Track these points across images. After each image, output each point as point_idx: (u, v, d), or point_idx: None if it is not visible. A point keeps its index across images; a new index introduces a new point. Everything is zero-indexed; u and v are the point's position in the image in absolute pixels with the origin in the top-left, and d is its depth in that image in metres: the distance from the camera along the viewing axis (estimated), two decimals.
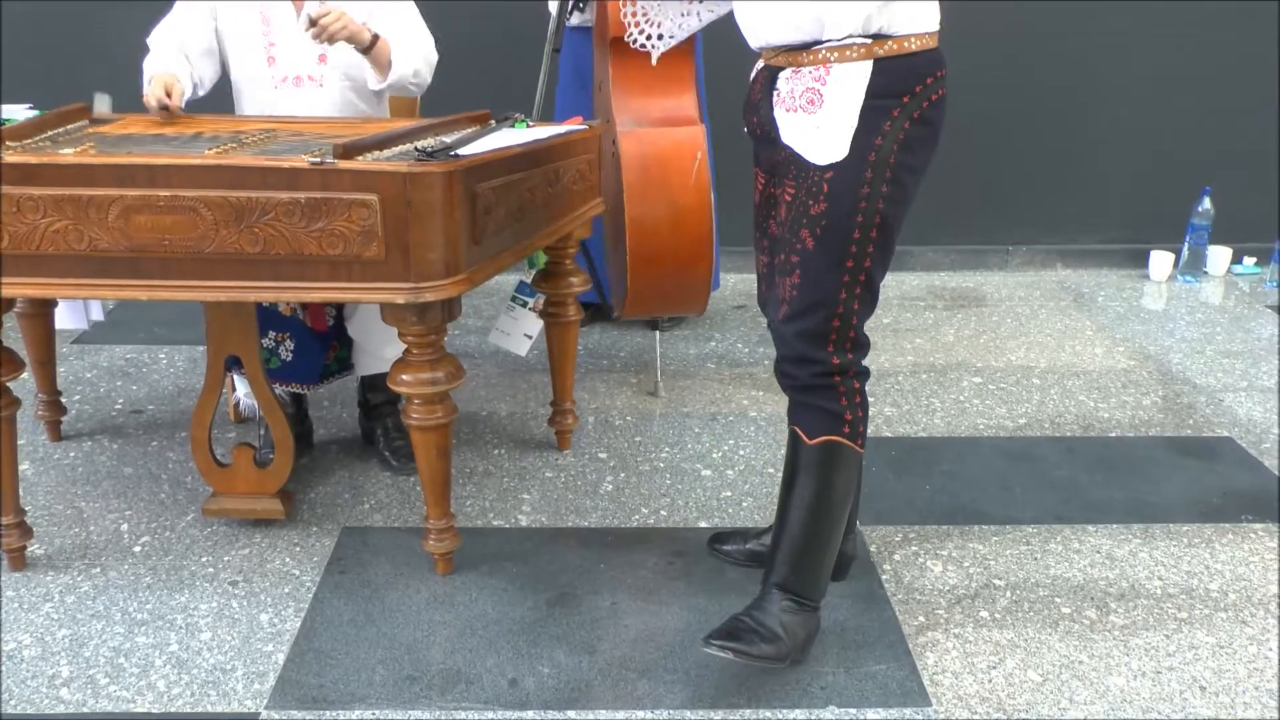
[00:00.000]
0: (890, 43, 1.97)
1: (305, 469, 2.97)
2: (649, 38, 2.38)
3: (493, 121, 2.73)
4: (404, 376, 2.32)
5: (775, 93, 2.08)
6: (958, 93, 4.49)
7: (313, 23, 2.60)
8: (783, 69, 2.07)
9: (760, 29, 2.08)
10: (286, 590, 2.45)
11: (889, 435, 3.22)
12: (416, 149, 2.25)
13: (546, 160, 2.54)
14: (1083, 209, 4.78)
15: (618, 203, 3.10)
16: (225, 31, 2.80)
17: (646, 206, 3.02)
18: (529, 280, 3.02)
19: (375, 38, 2.71)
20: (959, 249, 4.80)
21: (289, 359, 2.82)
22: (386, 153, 2.27)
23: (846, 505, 2.19)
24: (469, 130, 2.59)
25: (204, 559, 2.57)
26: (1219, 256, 4.71)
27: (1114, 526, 2.75)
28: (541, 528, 2.72)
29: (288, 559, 2.57)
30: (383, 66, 2.77)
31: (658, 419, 3.30)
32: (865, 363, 2.14)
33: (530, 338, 3.06)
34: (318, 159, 2.09)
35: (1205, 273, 4.71)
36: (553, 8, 3.48)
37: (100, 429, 3.19)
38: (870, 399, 3.42)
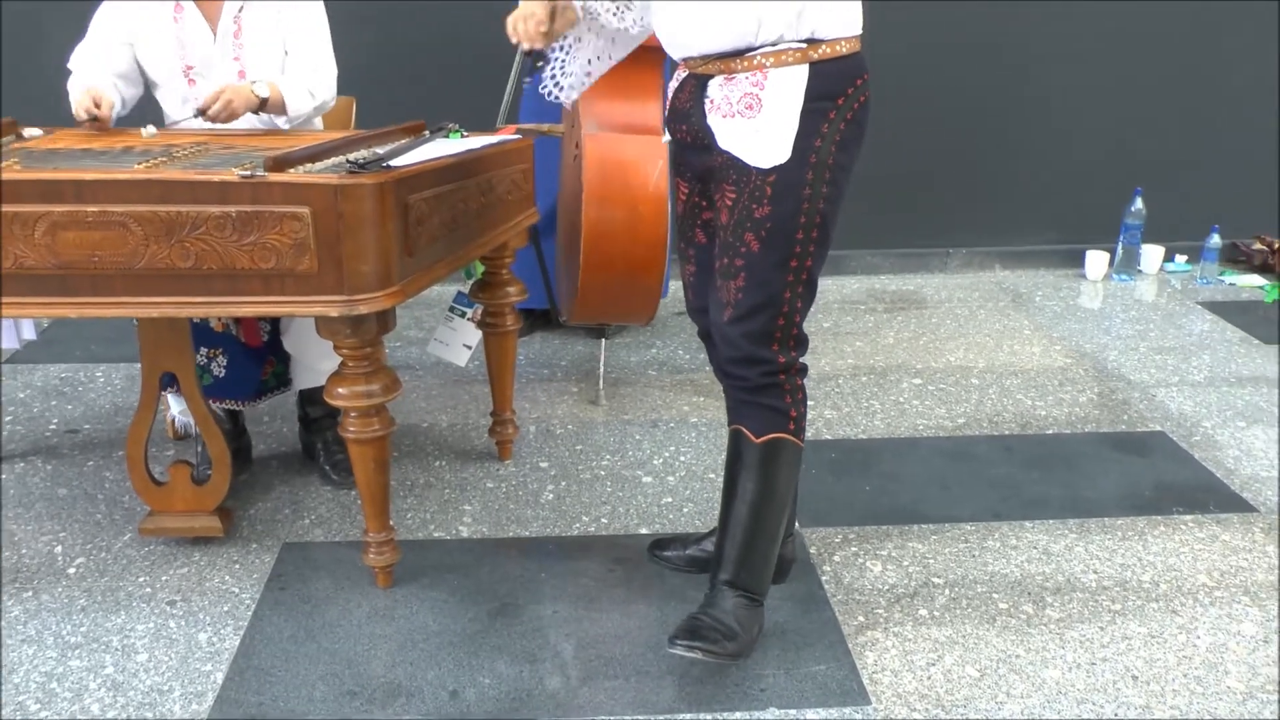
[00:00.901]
0: (824, 46, 2.03)
1: (245, 485, 2.96)
2: (559, 88, 2.41)
3: (426, 132, 2.74)
4: (340, 390, 2.31)
5: (707, 100, 2.11)
6: (897, 98, 4.59)
7: (201, 112, 2.65)
8: (712, 76, 2.10)
9: (690, 39, 2.10)
10: (225, 608, 2.44)
11: (829, 438, 3.26)
12: (349, 161, 2.26)
13: (480, 170, 2.55)
14: (1020, 211, 4.86)
15: (576, 204, 3.12)
16: (142, 57, 2.79)
17: (605, 210, 3.04)
18: (467, 291, 3.02)
19: (264, 100, 2.72)
20: (899, 252, 4.86)
21: (222, 375, 2.80)
22: (318, 165, 2.27)
23: (790, 499, 2.25)
24: (402, 141, 2.60)
25: (141, 579, 2.55)
26: (1152, 255, 4.81)
27: (1050, 522, 2.81)
28: (483, 538, 2.72)
29: (227, 577, 2.56)
30: (281, 113, 2.78)
31: (599, 427, 3.32)
32: (804, 360, 2.21)
33: (469, 348, 3.06)
34: (248, 172, 2.08)
35: (1139, 271, 4.82)
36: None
37: (33, 450, 3.15)
38: (810, 402, 3.47)
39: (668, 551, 2.59)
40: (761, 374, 2.14)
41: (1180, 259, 4.88)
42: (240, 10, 2.76)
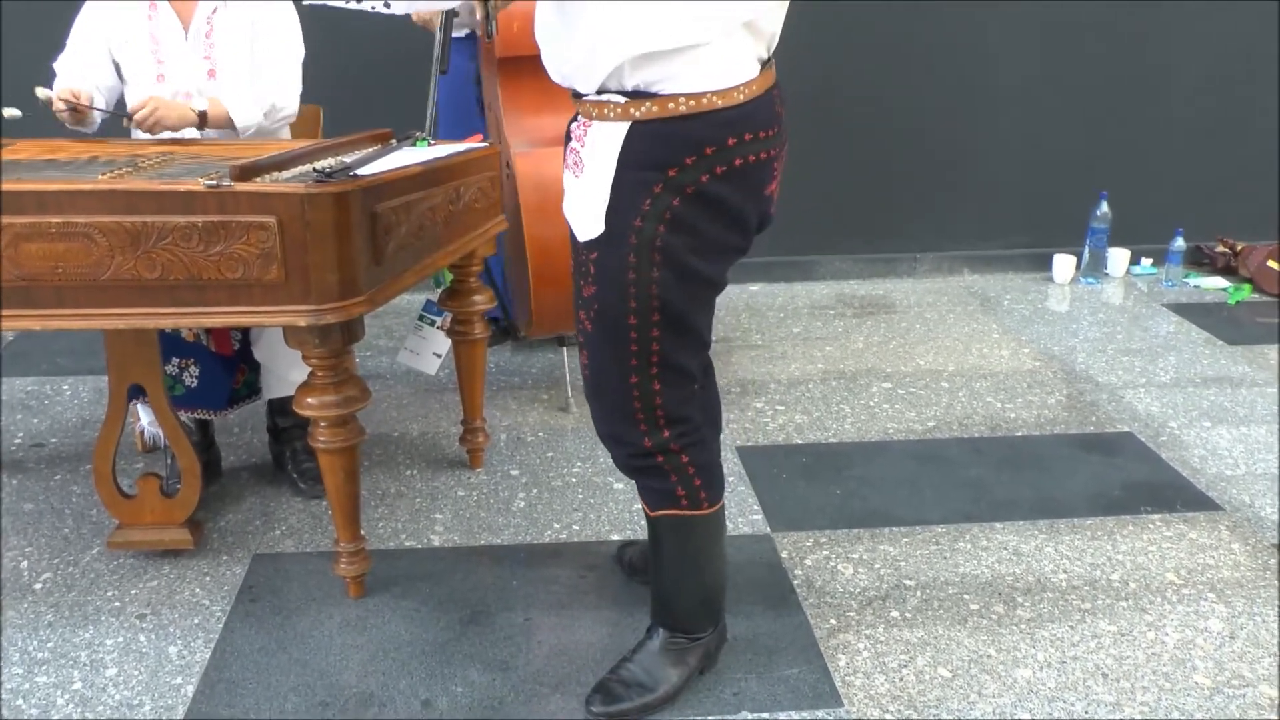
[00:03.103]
0: (649, 103, 1.68)
1: (214, 497, 2.94)
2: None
3: (394, 140, 2.73)
4: (309, 399, 2.31)
5: (568, 143, 1.88)
6: (862, 103, 4.60)
7: (128, 117, 2.65)
8: (573, 118, 1.86)
9: (548, 65, 1.85)
10: (196, 621, 2.43)
11: (800, 442, 3.27)
12: (315, 169, 2.25)
13: (447, 179, 2.55)
14: (987, 216, 4.90)
15: (516, 223, 3.12)
16: (118, 56, 2.79)
17: (547, 227, 3.04)
18: (436, 300, 3.02)
19: (202, 114, 2.72)
20: (867, 258, 4.89)
21: (194, 385, 2.79)
22: (285, 174, 2.26)
23: (715, 551, 2.11)
24: (370, 150, 2.60)
25: (109, 593, 2.53)
26: (1118, 258, 4.86)
27: (1021, 523, 2.83)
28: (455, 547, 2.72)
29: (197, 589, 2.54)
30: (227, 126, 2.78)
31: (569, 434, 3.32)
32: (692, 431, 1.97)
33: (439, 356, 3.06)
34: (214, 181, 2.08)
35: (1106, 274, 4.86)
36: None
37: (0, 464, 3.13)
38: (780, 406, 3.49)
39: (628, 550, 2.61)
40: (629, 455, 1.97)
41: (1146, 262, 4.93)
42: (214, 11, 2.76)
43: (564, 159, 1.91)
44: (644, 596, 2.46)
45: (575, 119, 1.87)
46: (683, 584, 2.14)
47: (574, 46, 1.71)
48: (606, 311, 1.83)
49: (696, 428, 1.98)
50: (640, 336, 1.82)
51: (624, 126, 1.70)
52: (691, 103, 1.67)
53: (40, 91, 2.63)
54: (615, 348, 1.86)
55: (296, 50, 2.89)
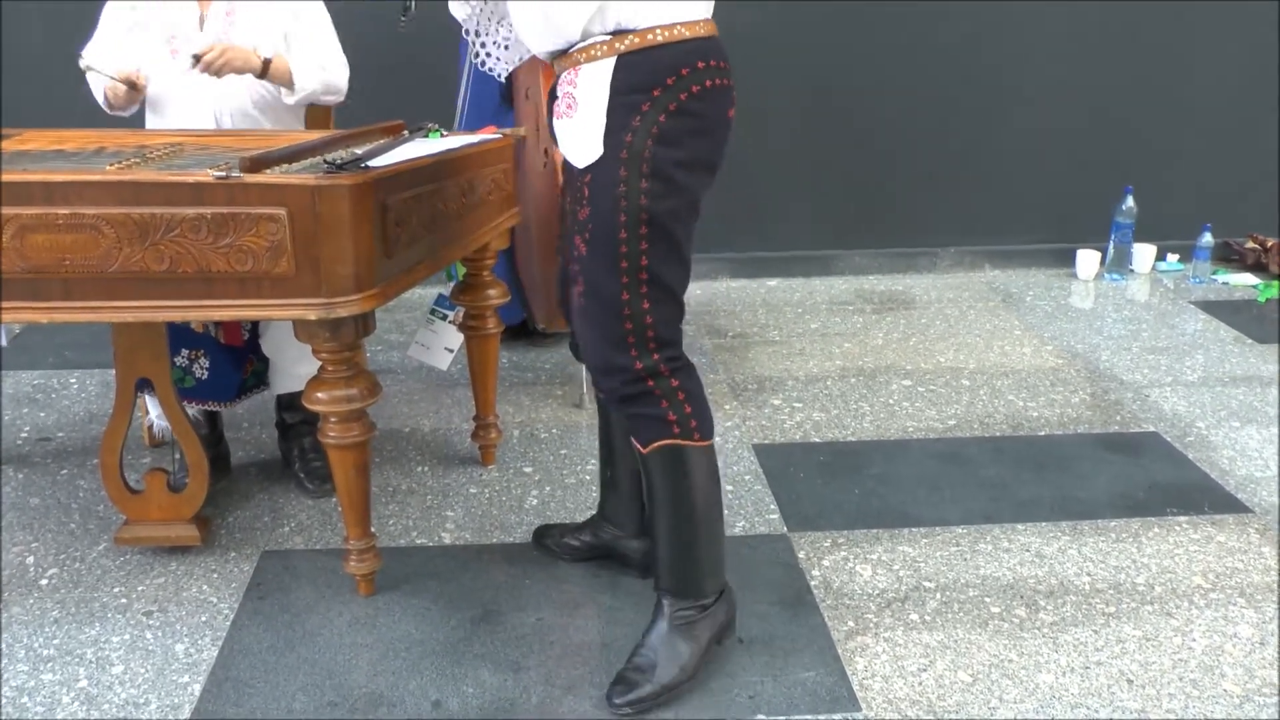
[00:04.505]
0: (632, 37, 1.98)
1: (223, 492, 2.94)
2: (490, 56, 2.49)
3: (406, 132, 2.73)
4: (319, 394, 2.30)
5: (556, 100, 2.12)
6: (884, 96, 4.58)
7: (197, 60, 2.65)
8: (559, 75, 2.11)
9: (527, 39, 2.13)
10: (203, 619, 2.43)
11: (817, 440, 3.26)
12: (326, 161, 2.25)
13: (460, 171, 2.54)
14: (1010, 210, 4.87)
15: (549, 213, 3.11)
16: (137, 49, 2.79)
17: None
18: (448, 293, 3.02)
19: (267, 62, 2.75)
20: (887, 252, 4.87)
21: (204, 377, 2.79)
22: (295, 165, 2.26)
23: (710, 496, 2.18)
24: (381, 141, 2.59)
25: (116, 590, 2.53)
26: (1143, 254, 4.83)
27: (1043, 524, 2.81)
28: (466, 545, 2.72)
29: (204, 586, 2.54)
30: (287, 84, 2.81)
31: (583, 430, 3.31)
32: (681, 357, 2.13)
33: (451, 351, 3.06)
34: (223, 173, 2.07)
35: (1131, 270, 4.83)
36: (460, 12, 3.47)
37: (4, 459, 3.13)
38: (798, 404, 3.48)
39: (547, 540, 2.66)
40: (624, 382, 2.09)
41: (1172, 258, 4.90)
42: (233, 8, 2.78)
43: (551, 114, 2.13)
44: None
45: (558, 80, 2.11)
46: (681, 530, 2.18)
47: (557, 6, 2.00)
48: (599, 229, 2.02)
49: (684, 357, 2.14)
50: (630, 251, 2.01)
51: (612, 61, 1.99)
52: (666, 33, 1.98)
53: (90, 67, 2.67)
54: (607, 265, 2.03)
55: (334, 37, 2.93)
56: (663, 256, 2.04)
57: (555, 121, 2.11)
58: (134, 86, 2.69)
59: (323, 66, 2.85)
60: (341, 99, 2.96)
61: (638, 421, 2.13)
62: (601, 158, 2.01)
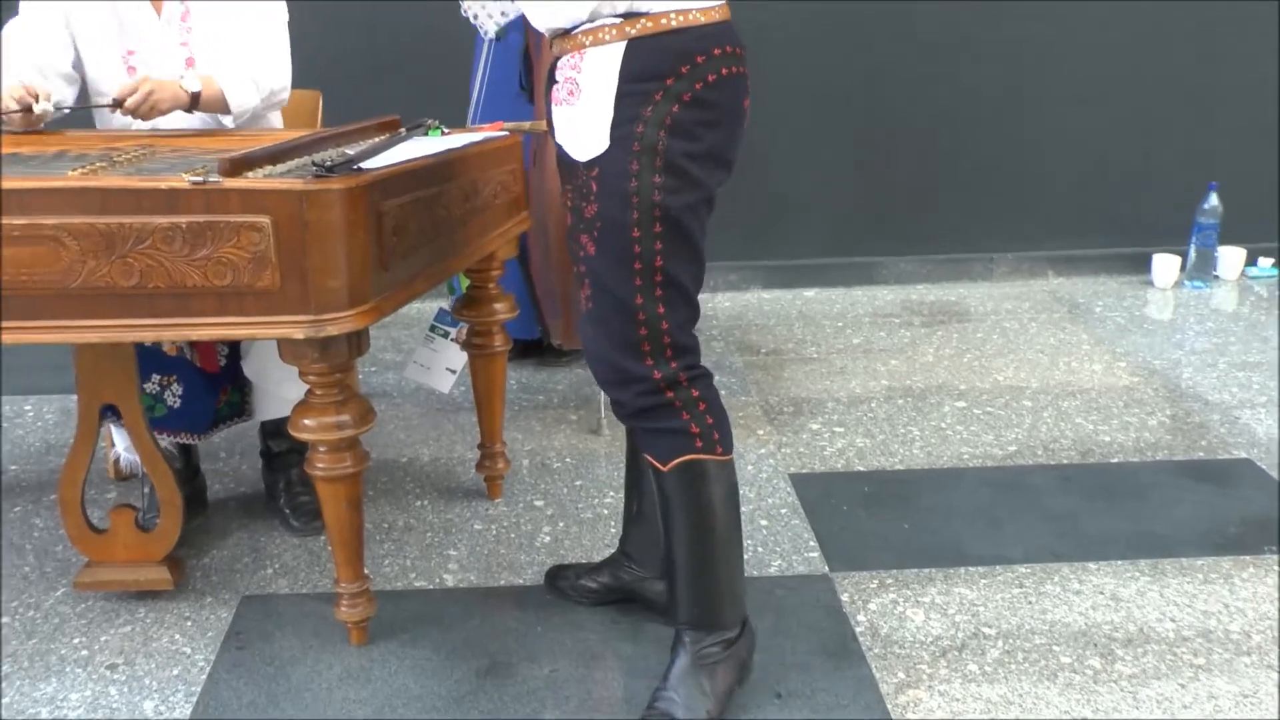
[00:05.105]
0: (644, 20, 2.01)
1: (198, 531, 2.96)
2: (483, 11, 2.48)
3: (403, 130, 2.74)
4: (306, 421, 2.31)
5: (554, 85, 2.14)
6: (934, 87, 4.59)
7: (118, 104, 2.64)
8: (559, 57, 2.13)
9: (531, 13, 2.15)
10: (175, 672, 2.44)
11: (861, 469, 3.26)
12: (314, 163, 2.26)
13: (463, 172, 2.56)
14: (1076, 210, 4.87)
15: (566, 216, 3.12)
16: (79, 36, 2.78)
17: None
18: (450, 308, 3.03)
19: (195, 95, 2.71)
20: (937, 259, 4.87)
21: (176, 405, 2.81)
22: (280, 168, 2.28)
23: (731, 517, 2.22)
24: (375, 140, 2.61)
25: (76, 640, 2.54)
26: (1231, 258, 4.81)
27: (1118, 563, 2.80)
28: (470, 588, 2.72)
29: (177, 635, 2.55)
30: (221, 110, 2.78)
31: (601, 459, 3.32)
32: (699, 365, 2.17)
33: (453, 372, 3.07)
34: (200, 177, 2.09)
35: (1216, 277, 4.81)
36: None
37: None
38: (840, 428, 3.47)
39: (561, 582, 2.67)
40: (638, 394, 2.12)
41: (1265, 262, 4.88)
42: (188, 8, 2.78)
43: (548, 98, 2.16)
44: None
45: (557, 62, 2.14)
46: (703, 554, 2.20)
47: None
48: (609, 226, 2.05)
49: (701, 365, 2.17)
50: (644, 250, 2.04)
51: (621, 46, 2.01)
52: (680, 18, 2.01)
53: None
54: (618, 264, 2.06)
55: (281, 16, 2.88)
56: (678, 255, 2.07)
57: (554, 108, 2.14)
58: (29, 109, 2.60)
59: (255, 80, 2.80)
60: (285, 103, 2.96)
61: (656, 436, 2.15)
62: (609, 150, 2.03)
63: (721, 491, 2.19)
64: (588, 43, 2.04)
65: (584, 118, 2.06)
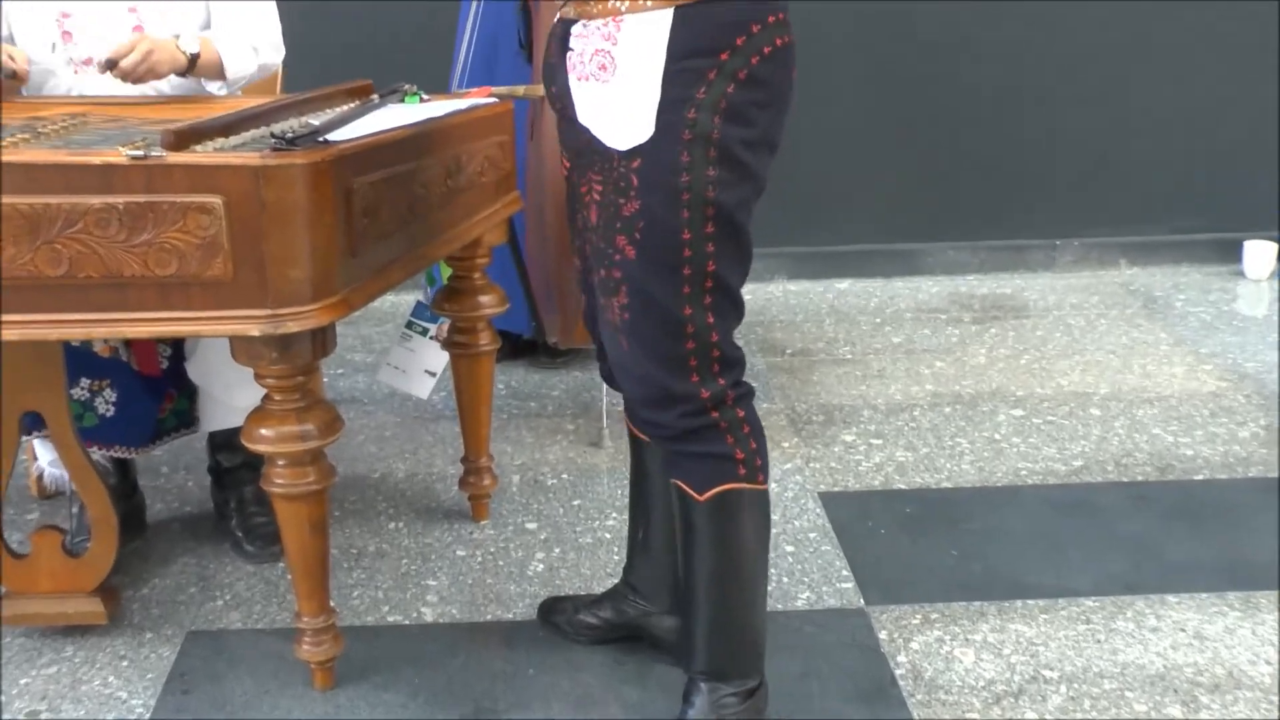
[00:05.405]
0: None
1: (136, 556, 2.96)
2: None
3: (375, 96, 2.75)
4: (263, 431, 2.31)
5: (569, 53, 2.09)
6: (988, 51, 4.58)
7: (111, 65, 2.65)
8: (575, 21, 2.08)
9: None
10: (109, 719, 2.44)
11: (903, 487, 3.27)
12: (273, 135, 2.26)
13: (445, 145, 2.56)
14: (1153, 190, 4.86)
15: None
16: (9, 10, 2.80)
17: None
18: (429, 301, 3.03)
19: (194, 56, 2.75)
20: (990, 245, 4.87)
21: (110, 414, 2.81)
22: (233, 140, 2.28)
23: (763, 554, 2.25)
24: (343, 108, 2.61)
25: None
26: None
27: (1203, 596, 2.80)
28: (452, 623, 2.73)
29: (111, 678, 2.56)
30: (216, 75, 2.82)
31: (603, 476, 3.33)
32: (745, 381, 2.18)
33: (433, 375, 3.07)
34: (139, 151, 2.09)
35: None
36: None
37: None
38: (878, 440, 3.47)
39: (557, 617, 2.66)
40: (682, 415, 2.12)
41: None
42: None
43: (566, 69, 2.10)
44: None
45: (572, 27, 2.08)
46: (733, 595, 2.20)
47: None
48: (654, 226, 2.02)
49: (746, 381, 2.19)
50: (695, 253, 2.02)
51: (668, 13, 1.95)
52: None
53: None
54: (664, 270, 2.04)
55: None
56: (730, 256, 2.06)
57: (576, 84, 2.08)
58: (15, 74, 2.66)
59: (255, 48, 2.86)
60: (274, 72, 3.00)
61: (695, 462, 2.15)
62: (655, 138, 1.99)
63: (756, 526, 2.20)
64: (624, 8, 1.98)
65: (621, 99, 2.01)
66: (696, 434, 2.13)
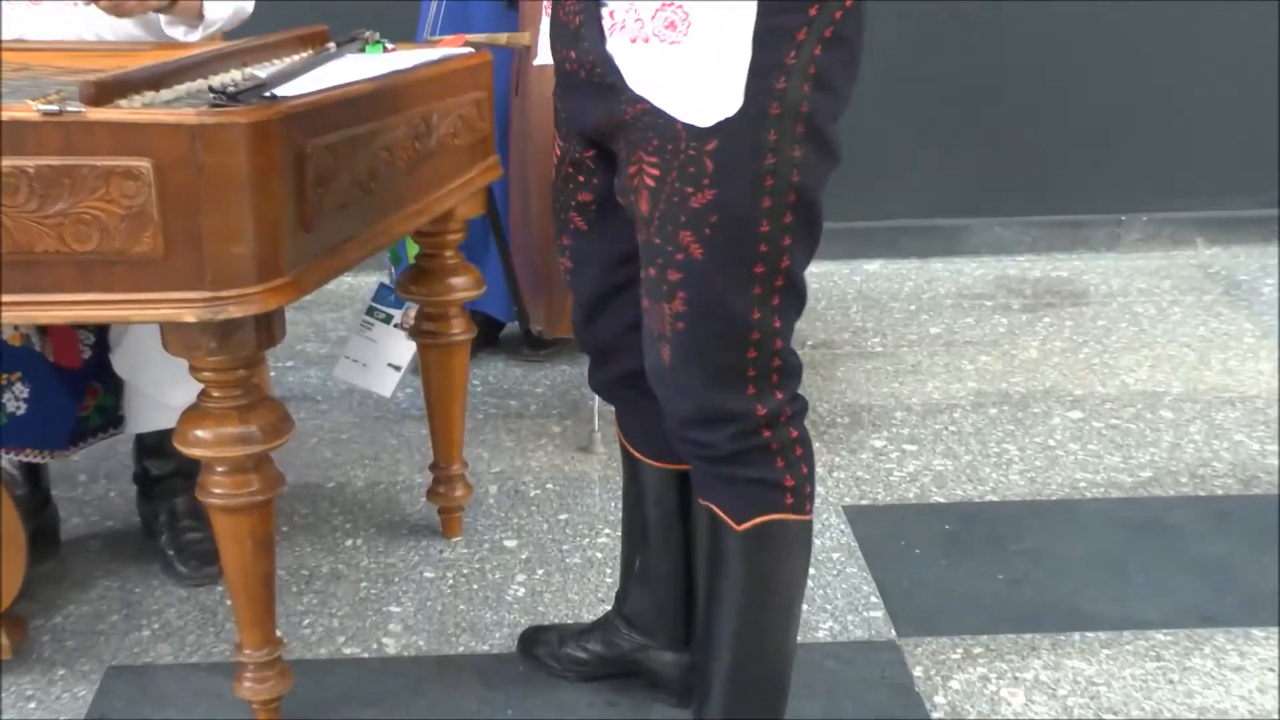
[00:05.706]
0: None
1: (47, 579, 2.96)
2: None
3: (331, 45, 2.74)
4: (199, 432, 2.31)
5: (605, 12, 2.02)
6: (1046, 15, 4.57)
7: None
8: None
9: None
10: None
11: (941, 500, 3.28)
12: (212, 89, 2.25)
13: (412, 102, 2.55)
14: (1235, 158, 4.86)
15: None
16: None
17: None
18: (393, 284, 3.03)
19: None
20: (1044, 221, 4.87)
21: (21, 412, 2.80)
22: (166, 94, 2.27)
23: (800, 592, 2.25)
24: (294, 59, 2.61)
25: None
26: None
27: None
28: (418, 656, 2.73)
29: None
30: (194, 17, 2.81)
31: (594, 486, 3.34)
32: (801, 395, 2.16)
33: (398, 369, 3.07)
34: (54, 105, 2.08)
35: None
36: None
37: None
38: (912, 445, 3.48)
39: (539, 649, 2.67)
40: (733, 435, 2.09)
41: None
42: None
43: (602, 29, 2.02)
44: None
45: None
46: (767, 637, 2.20)
47: None
48: (729, 220, 1.96)
49: (801, 394, 2.16)
50: (771, 247, 1.98)
51: None
52: None
53: None
54: (737, 268, 2.00)
55: None
56: (805, 246, 2.05)
57: (628, 46, 2.00)
58: None
59: None
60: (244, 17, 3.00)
61: (737, 487, 2.13)
62: (742, 114, 1.92)
63: (797, 561, 2.20)
64: None
65: (699, 64, 1.93)
66: (744, 456, 2.10)
